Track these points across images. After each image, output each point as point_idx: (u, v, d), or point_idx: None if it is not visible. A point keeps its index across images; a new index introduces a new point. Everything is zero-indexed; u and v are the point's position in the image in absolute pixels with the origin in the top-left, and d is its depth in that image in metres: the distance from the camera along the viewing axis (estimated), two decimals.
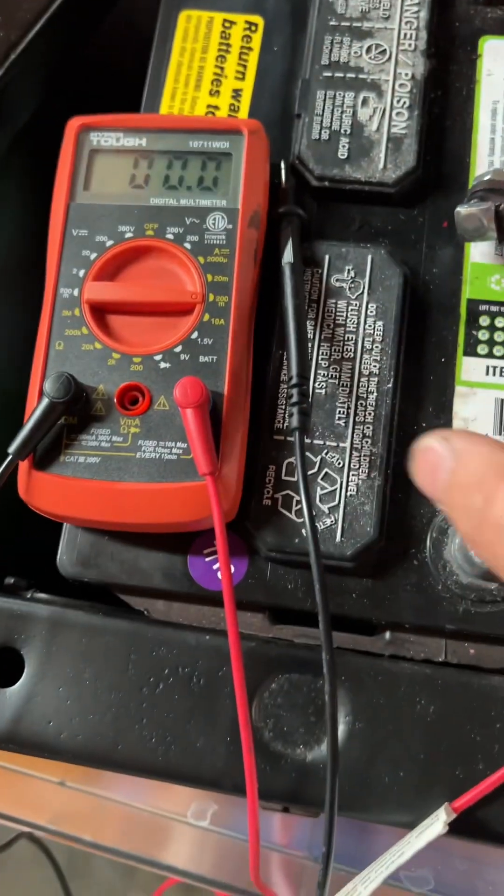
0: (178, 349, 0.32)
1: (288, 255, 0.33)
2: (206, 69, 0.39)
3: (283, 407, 0.34)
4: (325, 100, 0.37)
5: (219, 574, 0.33)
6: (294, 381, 0.31)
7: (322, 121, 0.37)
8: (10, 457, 0.31)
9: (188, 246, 0.33)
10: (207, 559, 0.34)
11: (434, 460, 0.23)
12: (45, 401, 0.31)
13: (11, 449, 0.31)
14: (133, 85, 0.41)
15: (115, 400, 0.32)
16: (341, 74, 0.37)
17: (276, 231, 0.35)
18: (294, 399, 0.31)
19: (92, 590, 0.35)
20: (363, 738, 0.32)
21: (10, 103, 0.41)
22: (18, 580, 0.37)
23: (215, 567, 0.34)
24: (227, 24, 0.40)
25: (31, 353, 0.33)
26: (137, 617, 0.34)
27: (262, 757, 0.32)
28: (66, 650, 0.33)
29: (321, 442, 0.33)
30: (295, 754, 0.32)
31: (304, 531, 0.32)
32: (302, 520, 0.33)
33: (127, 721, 0.32)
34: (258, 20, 0.40)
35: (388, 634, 0.34)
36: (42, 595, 0.35)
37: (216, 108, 0.39)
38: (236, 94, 0.39)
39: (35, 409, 0.31)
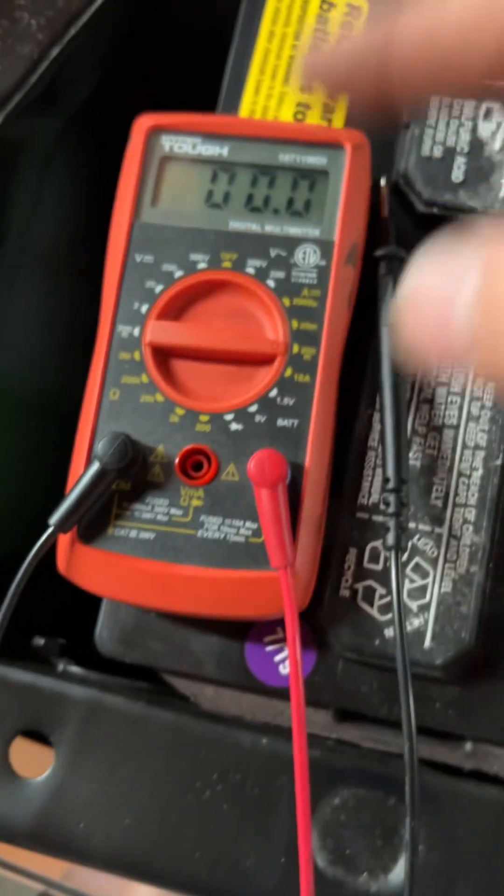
0: (253, 409, 0.27)
1: (388, 314, 0.28)
2: (297, 59, 0.33)
3: (370, 479, 0.29)
4: (439, 108, 0.31)
5: (281, 669, 0.29)
6: (391, 484, 0.26)
7: (435, 134, 0.31)
8: (50, 528, 0.26)
9: (272, 284, 0.28)
10: (268, 649, 0.29)
11: (437, 294, 0.13)
12: (96, 466, 0.26)
13: (53, 520, 0.26)
14: (208, 72, 0.35)
15: (176, 465, 0.27)
16: None
17: (370, 271, 0.30)
18: (391, 508, 0.26)
19: (131, 666, 0.31)
20: (437, 871, 0.28)
21: (65, 83, 0.36)
22: (49, 642, 0.33)
23: (277, 659, 0.29)
24: (325, 7, 0.34)
25: (66, 359, 0.29)
26: (184, 706, 0.30)
27: (318, 883, 0.28)
28: (103, 740, 0.29)
29: (413, 525, 0.28)
30: (357, 883, 0.28)
31: (387, 632, 0.28)
32: (386, 617, 0.28)
33: (168, 829, 0.28)
34: (362, 3, 0.34)
35: (469, 745, 0.29)
36: (76, 669, 0.31)
37: (307, 107, 0.33)
38: None
39: (83, 475, 0.26)
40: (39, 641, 0.33)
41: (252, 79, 0.34)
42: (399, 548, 0.26)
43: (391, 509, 0.26)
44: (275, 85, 0.33)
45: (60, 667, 0.31)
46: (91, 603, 0.31)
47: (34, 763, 0.30)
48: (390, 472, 0.27)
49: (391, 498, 0.26)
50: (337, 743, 0.30)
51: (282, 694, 0.29)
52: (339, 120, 0.33)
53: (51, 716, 0.29)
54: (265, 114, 0.33)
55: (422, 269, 0.14)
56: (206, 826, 0.28)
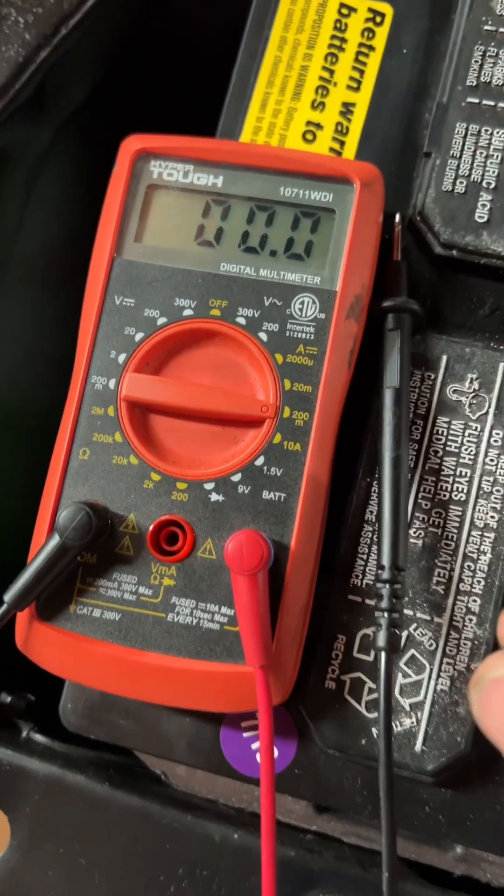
0: (237, 478, 0.24)
1: (392, 377, 0.25)
2: (310, 71, 0.30)
3: (365, 557, 0.26)
4: (465, 136, 0.28)
5: (258, 757, 0.26)
6: (385, 574, 0.24)
7: (459, 166, 0.28)
8: (4, 606, 0.24)
9: (263, 337, 0.25)
10: (245, 735, 0.27)
11: None
12: (56, 541, 0.24)
13: (8, 597, 0.24)
14: (211, 82, 0.32)
15: (148, 536, 0.24)
16: (491, 103, 0.28)
17: (376, 321, 0.26)
18: (383, 602, 0.23)
19: None
20: None
21: (56, 89, 0.32)
22: (16, 699, 0.30)
23: (254, 747, 0.27)
24: (344, 11, 0.30)
25: (53, 374, 0.26)
26: (152, 790, 0.28)
27: None
28: (63, 822, 0.27)
29: (410, 612, 0.25)
30: None
31: (375, 730, 0.25)
32: (374, 714, 0.25)
33: None
34: (386, 9, 0.30)
35: (459, 848, 0.27)
36: (40, 738, 0.29)
37: (318, 126, 0.30)
38: (347, 108, 0.30)
39: (42, 549, 0.24)
40: (6, 699, 0.31)
41: (259, 92, 0.30)
42: (392, 650, 0.23)
43: (384, 603, 0.23)
44: (283, 99, 0.30)
45: (24, 732, 0.29)
46: None
47: None
48: (385, 558, 0.24)
49: (384, 590, 0.24)
50: (316, 837, 0.27)
51: (254, 781, 0.27)
52: (352, 141, 0.30)
53: (9, 790, 0.27)
54: (271, 132, 0.30)
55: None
56: None
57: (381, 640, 0.23)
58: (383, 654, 0.23)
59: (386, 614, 0.23)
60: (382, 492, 0.25)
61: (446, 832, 0.26)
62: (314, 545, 0.25)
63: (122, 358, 0.25)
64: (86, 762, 0.28)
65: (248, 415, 0.25)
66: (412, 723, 0.25)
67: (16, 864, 0.27)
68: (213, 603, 0.24)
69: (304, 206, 0.26)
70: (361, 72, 0.30)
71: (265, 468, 0.24)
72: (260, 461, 0.24)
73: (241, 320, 0.25)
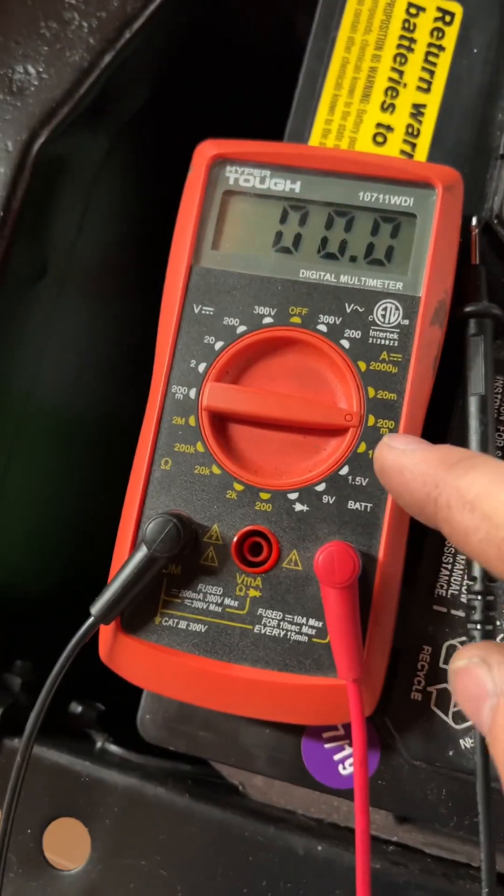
0: (321, 487, 0.24)
1: (477, 383, 0.25)
2: (379, 73, 0.30)
3: (450, 567, 0.26)
4: None
5: (340, 769, 0.26)
6: (478, 585, 0.23)
7: None
8: (91, 619, 0.24)
9: (346, 344, 0.25)
10: (327, 746, 0.26)
11: (475, 690, 0.18)
12: (143, 552, 0.23)
13: (94, 609, 0.24)
14: (274, 86, 0.31)
15: (232, 547, 0.24)
16: None
17: (458, 327, 0.26)
18: (476, 615, 0.23)
19: None
20: None
21: (116, 95, 0.32)
22: (87, 709, 0.30)
23: (337, 758, 0.26)
24: (412, 11, 0.30)
25: (109, 383, 0.26)
26: (232, 801, 0.27)
27: None
28: (142, 835, 0.27)
29: (501, 623, 0.25)
30: None
31: (463, 743, 0.25)
32: (462, 725, 0.25)
33: None
34: (456, 8, 0.30)
35: None
36: (115, 749, 0.29)
37: (389, 128, 0.29)
38: (418, 110, 0.29)
39: (129, 561, 0.24)
40: (77, 708, 0.30)
41: (327, 94, 0.30)
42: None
43: (476, 615, 0.23)
44: (352, 101, 0.30)
45: (99, 743, 0.29)
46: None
47: (70, 847, 0.28)
48: (477, 570, 0.23)
49: (476, 602, 0.23)
50: (398, 848, 0.27)
51: (337, 792, 0.27)
52: (423, 143, 0.29)
53: (88, 804, 0.27)
54: (340, 134, 0.29)
55: (465, 663, 0.18)
56: None
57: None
58: None
59: (479, 626, 0.23)
60: None
61: None
62: (401, 556, 0.24)
63: (202, 367, 0.25)
64: (163, 773, 0.28)
65: (331, 423, 0.24)
66: None
67: (96, 876, 0.27)
68: (300, 615, 0.24)
69: (383, 211, 0.26)
70: (431, 72, 0.29)
71: (350, 478, 0.24)
72: (344, 471, 0.24)
73: (323, 327, 0.25)
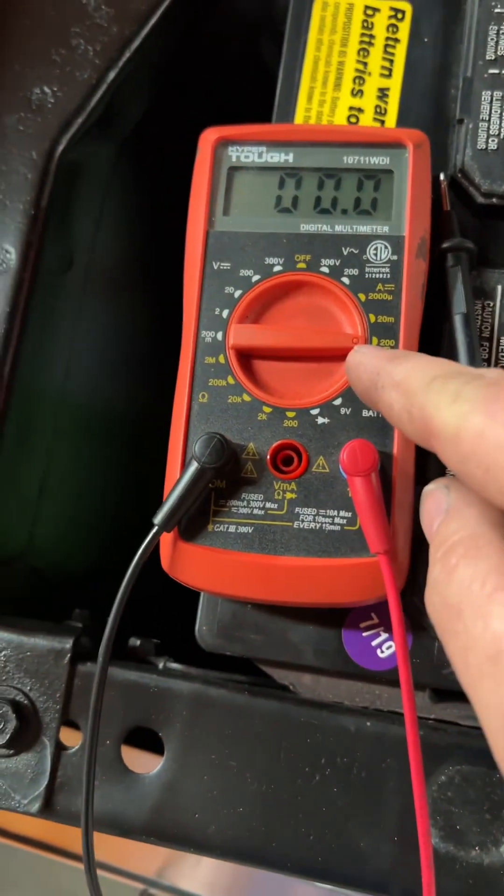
0: (338, 402, 0.28)
1: (460, 304, 0.29)
2: (346, 65, 0.35)
3: None
4: (491, 102, 0.32)
5: (378, 653, 0.30)
6: None
7: (489, 127, 0.32)
8: (155, 528, 0.27)
9: (346, 281, 0.29)
10: (365, 634, 0.30)
11: (433, 508, 0.22)
12: (194, 466, 0.27)
13: (157, 519, 0.27)
14: (257, 83, 0.36)
15: (267, 460, 0.28)
16: None
17: (438, 264, 0.30)
18: None
19: (227, 656, 0.32)
20: None
21: (121, 106, 0.37)
22: (145, 642, 0.34)
23: (374, 643, 0.30)
24: (369, 12, 0.35)
25: (135, 373, 0.30)
26: (286, 696, 0.31)
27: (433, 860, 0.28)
28: (210, 733, 0.30)
29: None
30: (470, 857, 0.28)
31: None
32: None
33: (281, 816, 0.29)
34: (405, 6, 0.35)
35: None
36: (176, 666, 0.32)
37: (360, 110, 0.34)
38: (382, 93, 0.34)
39: (182, 475, 0.28)
40: (136, 642, 0.34)
41: (304, 86, 0.35)
42: None
43: None
44: (326, 91, 0.35)
45: (161, 664, 0.32)
46: (176, 604, 0.32)
47: (144, 763, 0.31)
48: None
49: None
50: (437, 722, 0.31)
51: (381, 678, 0.30)
52: (391, 119, 0.34)
53: (158, 712, 0.30)
54: (320, 119, 0.34)
55: (433, 485, 0.23)
56: (318, 810, 0.29)
57: None
58: None
59: None
60: None
61: None
62: (411, 452, 0.28)
63: (225, 313, 0.29)
64: (223, 680, 0.31)
65: (341, 347, 0.29)
66: None
67: (173, 775, 0.30)
68: (332, 509, 0.28)
69: (365, 170, 0.30)
70: (391, 61, 0.35)
71: None
72: None
73: (325, 269, 0.29)
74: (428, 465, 0.30)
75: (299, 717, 0.30)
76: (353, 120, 0.34)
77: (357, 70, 0.35)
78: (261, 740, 0.30)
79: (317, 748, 0.30)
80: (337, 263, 0.29)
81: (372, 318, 0.29)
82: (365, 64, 0.35)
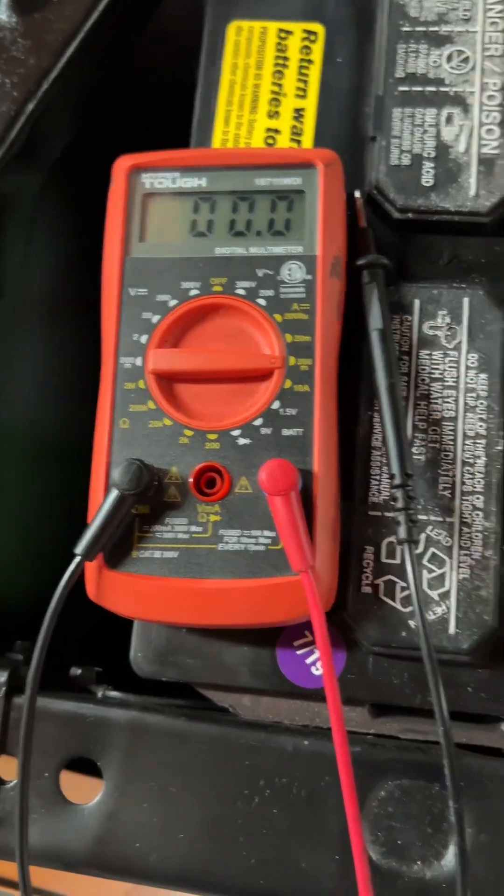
0: (258, 422, 0.28)
1: (376, 320, 0.29)
2: (262, 87, 0.35)
3: (378, 478, 0.30)
4: (402, 119, 0.33)
5: (313, 670, 0.30)
6: (398, 479, 0.28)
7: (401, 143, 0.32)
8: (77, 558, 0.27)
9: (262, 302, 0.29)
10: (299, 652, 0.30)
11: None
12: (115, 493, 0.27)
13: (79, 549, 0.27)
14: (179, 109, 0.37)
15: (190, 484, 0.28)
16: (420, 88, 0.33)
17: (355, 281, 0.31)
18: (399, 503, 0.27)
19: (171, 682, 0.32)
20: (490, 854, 0.28)
21: (43, 137, 0.37)
22: (86, 671, 0.34)
23: (308, 661, 0.30)
24: (282, 35, 0.36)
25: (71, 400, 0.30)
26: (224, 718, 0.31)
27: (374, 876, 0.28)
28: (149, 760, 0.30)
29: (424, 517, 0.29)
30: (412, 872, 0.28)
31: (411, 623, 0.29)
32: (409, 609, 0.29)
33: (222, 840, 0.29)
34: (318, 28, 0.36)
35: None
36: (115, 694, 0.32)
37: (276, 131, 0.35)
38: (298, 114, 0.35)
39: (104, 503, 0.27)
40: (76, 671, 0.34)
41: (221, 110, 0.35)
42: (412, 540, 0.27)
43: (399, 504, 0.27)
44: (243, 114, 0.35)
45: (100, 693, 0.32)
46: (118, 630, 0.32)
47: (84, 791, 0.31)
48: (395, 468, 0.28)
49: (398, 493, 0.27)
50: (376, 737, 0.31)
51: (317, 695, 0.30)
52: (307, 140, 0.34)
53: (96, 741, 0.30)
54: (237, 142, 0.35)
55: None
56: (259, 832, 0.29)
57: (402, 533, 0.27)
58: (406, 546, 0.27)
59: (403, 513, 0.27)
60: (383, 415, 0.29)
61: (490, 707, 0.29)
62: (333, 469, 0.28)
63: (144, 339, 0.29)
64: (161, 706, 0.31)
65: (260, 368, 0.29)
66: (443, 610, 0.29)
67: (113, 804, 0.30)
68: (256, 529, 0.28)
69: (278, 192, 0.31)
70: (305, 82, 0.35)
71: (281, 410, 0.28)
72: (276, 405, 0.29)
73: (241, 291, 0.29)
74: (353, 481, 0.30)
75: (238, 740, 0.30)
76: (270, 141, 0.34)
77: (273, 92, 0.35)
78: (200, 765, 0.30)
79: (256, 770, 0.29)
80: (252, 285, 0.30)
81: (289, 337, 0.29)
82: (280, 86, 0.35)
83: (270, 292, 0.29)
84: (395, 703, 0.30)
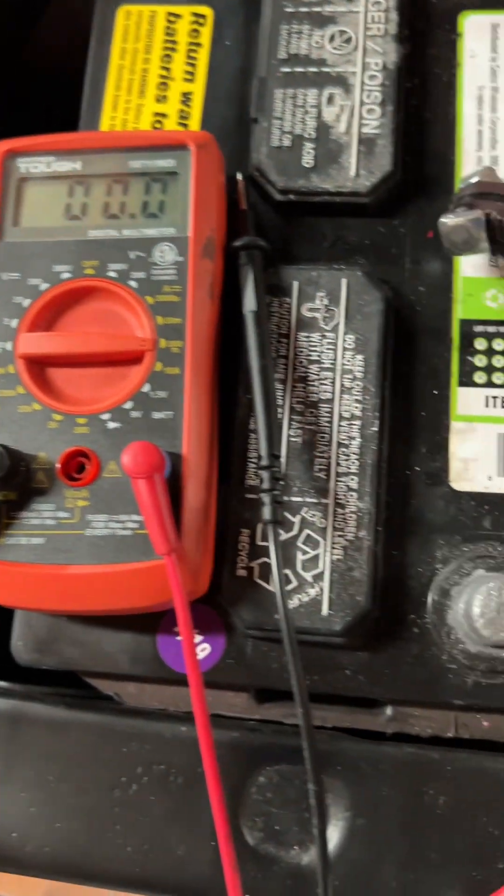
0: (128, 405, 0.28)
1: (250, 301, 0.29)
2: (150, 72, 0.35)
3: (256, 462, 0.30)
4: (284, 100, 0.32)
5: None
6: (264, 461, 0.27)
7: (282, 125, 0.32)
8: None
9: (133, 284, 0.29)
10: (179, 639, 0.30)
11: None
12: None
13: None
14: (72, 95, 0.36)
15: (58, 469, 0.28)
16: (302, 69, 0.33)
17: (235, 263, 0.31)
18: (265, 485, 0.27)
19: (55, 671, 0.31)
20: (365, 837, 0.28)
21: None
22: None
23: None
24: (171, 19, 0.35)
25: None
26: (105, 706, 0.31)
27: (250, 862, 0.28)
28: (27, 749, 0.30)
29: (300, 499, 0.29)
30: (289, 857, 0.28)
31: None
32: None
33: (99, 828, 0.29)
34: (206, 11, 0.35)
35: (389, 709, 0.30)
36: None
37: (164, 115, 0.34)
38: (186, 98, 0.34)
39: None
40: None
41: (109, 95, 0.35)
42: (276, 521, 0.27)
43: (265, 485, 0.27)
44: (131, 98, 0.35)
45: None
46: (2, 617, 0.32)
47: None
48: (262, 449, 0.28)
49: (264, 475, 0.27)
50: (258, 723, 0.30)
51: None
52: (195, 124, 0.34)
53: None
54: (125, 127, 0.34)
55: None
56: (137, 820, 0.29)
57: (267, 514, 0.27)
58: (270, 527, 0.27)
59: (268, 494, 0.27)
60: (254, 397, 0.28)
61: (369, 690, 0.29)
62: (204, 452, 0.28)
63: (14, 323, 0.29)
64: (42, 695, 0.31)
65: (130, 350, 0.28)
66: (317, 592, 0.28)
67: None
68: (123, 514, 0.27)
69: (152, 174, 0.30)
70: (194, 65, 0.35)
71: (152, 393, 0.28)
72: (147, 388, 0.28)
73: (113, 274, 0.29)
74: (231, 464, 0.30)
75: (115, 727, 0.29)
76: (157, 125, 0.34)
77: (161, 76, 0.35)
78: (78, 753, 0.29)
79: (134, 757, 0.29)
80: (125, 268, 0.29)
81: (160, 319, 0.29)
82: (168, 69, 0.35)
83: (142, 274, 0.29)
84: (276, 687, 0.29)
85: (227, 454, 0.30)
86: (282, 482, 0.28)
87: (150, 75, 0.35)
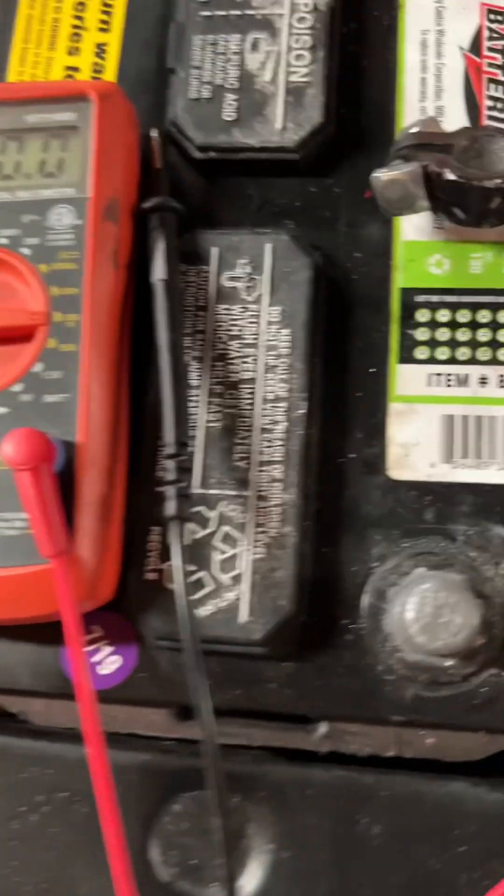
0: (18, 388, 0.25)
1: (159, 269, 0.26)
2: (62, 22, 0.31)
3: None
4: (203, 47, 0.29)
5: (100, 669, 0.26)
6: (169, 449, 0.24)
7: (201, 74, 0.29)
8: None
9: (26, 251, 0.26)
10: (85, 650, 0.26)
11: None
12: None
13: None
14: None
15: None
16: (223, 12, 0.29)
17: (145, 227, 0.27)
18: (171, 476, 0.24)
19: None
20: (292, 871, 0.25)
21: None
22: None
23: (94, 660, 0.26)
24: None
25: None
26: (8, 726, 0.27)
27: None
28: None
29: (217, 491, 0.26)
30: (206, 895, 0.25)
31: (200, 612, 0.25)
32: (197, 595, 0.25)
33: None
34: None
35: (323, 726, 0.27)
36: None
37: (76, 69, 0.31)
38: (101, 49, 0.31)
39: None
40: None
41: (16, 48, 0.31)
42: (182, 518, 0.24)
43: (170, 476, 0.24)
44: (41, 51, 0.31)
45: None
46: None
47: None
48: (167, 436, 0.24)
49: (169, 464, 0.24)
50: (176, 743, 0.27)
51: (108, 697, 0.26)
52: (109, 77, 0.31)
53: None
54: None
55: None
56: (36, 854, 0.26)
57: (171, 509, 0.24)
58: (174, 524, 0.23)
59: (173, 486, 0.24)
60: (161, 377, 0.25)
61: (296, 705, 0.26)
62: (105, 440, 0.25)
63: None
64: None
65: (20, 325, 0.25)
66: (235, 596, 0.25)
67: None
68: (9, 511, 0.24)
69: (50, 129, 0.27)
70: (110, 14, 0.31)
71: (44, 373, 0.25)
72: (38, 367, 0.25)
73: (3, 241, 0.26)
74: (141, 455, 0.26)
75: (15, 750, 0.26)
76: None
77: (74, 26, 0.31)
78: None
79: (34, 783, 0.26)
80: (17, 233, 0.26)
81: (55, 290, 0.25)
82: (82, 19, 0.31)
83: (36, 240, 0.26)
84: (192, 703, 0.26)
85: (137, 446, 0.27)
86: (189, 472, 0.25)
87: (61, 26, 0.31)
